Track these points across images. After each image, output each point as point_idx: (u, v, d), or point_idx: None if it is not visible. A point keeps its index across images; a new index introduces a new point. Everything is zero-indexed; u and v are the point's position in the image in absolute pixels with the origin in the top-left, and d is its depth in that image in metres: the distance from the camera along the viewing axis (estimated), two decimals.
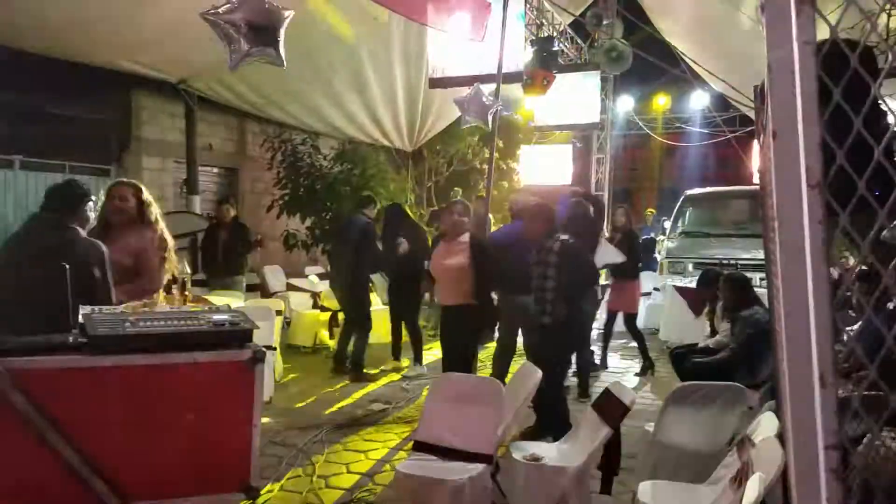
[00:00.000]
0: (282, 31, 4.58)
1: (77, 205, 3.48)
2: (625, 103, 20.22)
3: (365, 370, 7.32)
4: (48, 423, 2.27)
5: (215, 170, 12.47)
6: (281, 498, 4.22)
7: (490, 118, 6.40)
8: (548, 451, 3.92)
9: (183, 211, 10.46)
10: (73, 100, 9.47)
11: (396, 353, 7.78)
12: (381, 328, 8.10)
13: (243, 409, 2.57)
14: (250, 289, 9.13)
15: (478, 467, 3.57)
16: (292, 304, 9.06)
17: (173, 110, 10.98)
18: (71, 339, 2.48)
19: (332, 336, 8.62)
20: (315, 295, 9.41)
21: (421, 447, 3.87)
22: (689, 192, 12.40)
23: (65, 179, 3.91)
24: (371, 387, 6.99)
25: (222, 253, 7.94)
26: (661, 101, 23.03)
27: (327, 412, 6.08)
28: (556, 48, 11.08)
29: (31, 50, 7.88)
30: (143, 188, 4.21)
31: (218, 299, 5.52)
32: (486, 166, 8.51)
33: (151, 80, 9.85)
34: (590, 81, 13.07)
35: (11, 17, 7.09)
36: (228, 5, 4.45)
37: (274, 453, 4.91)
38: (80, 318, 2.60)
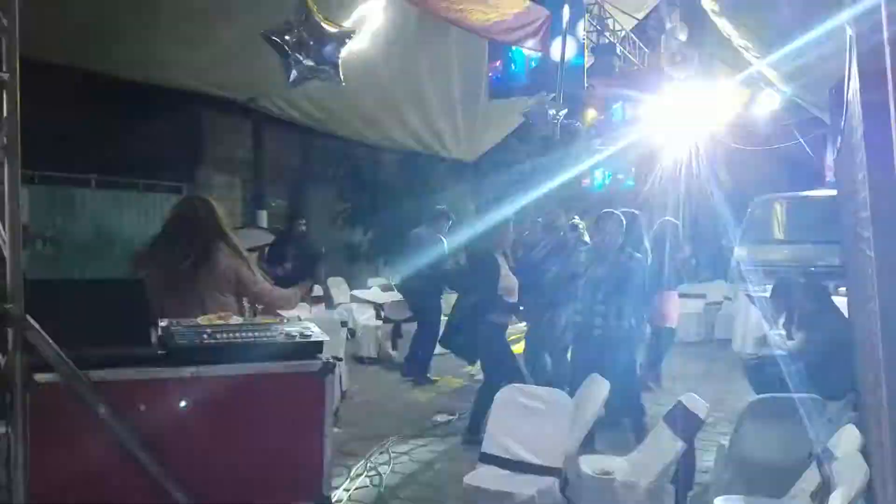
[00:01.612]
0: (343, 51, 4.64)
1: None
2: None
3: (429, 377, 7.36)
4: (131, 434, 2.34)
5: (281, 185, 12.76)
6: None
7: (555, 129, 6.36)
8: (618, 466, 3.84)
9: (250, 226, 10.72)
10: (147, 120, 9.84)
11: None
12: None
13: (314, 419, 2.61)
14: (315, 301, 9.29)
15: (546, 480, 3.53)
16: (356, 316, 9.16)
17: (242, 128, 11.30)
18: (151, 350, 2.56)
19: (394, 347, 8.67)
20: (378, 306, 9.49)
21: (488, 459, 3.85)
22: (758, 197, 11.98)
23: None
24: (435, 397, 7.00)
25: (290, 266, 8.13)
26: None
27: (393, 423, 6.11)
28: (618, 53, 10.95)
29: (106, 73, 8.22)
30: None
31: (285, 311, 5.62)
32: None
33: (221, 99, 10.15)
34: None
35: (88, 42, 7.42)
36: (288, 25, 4.55)
37: (341, 463, 4.96)
38: (160, 330, 2.69)
